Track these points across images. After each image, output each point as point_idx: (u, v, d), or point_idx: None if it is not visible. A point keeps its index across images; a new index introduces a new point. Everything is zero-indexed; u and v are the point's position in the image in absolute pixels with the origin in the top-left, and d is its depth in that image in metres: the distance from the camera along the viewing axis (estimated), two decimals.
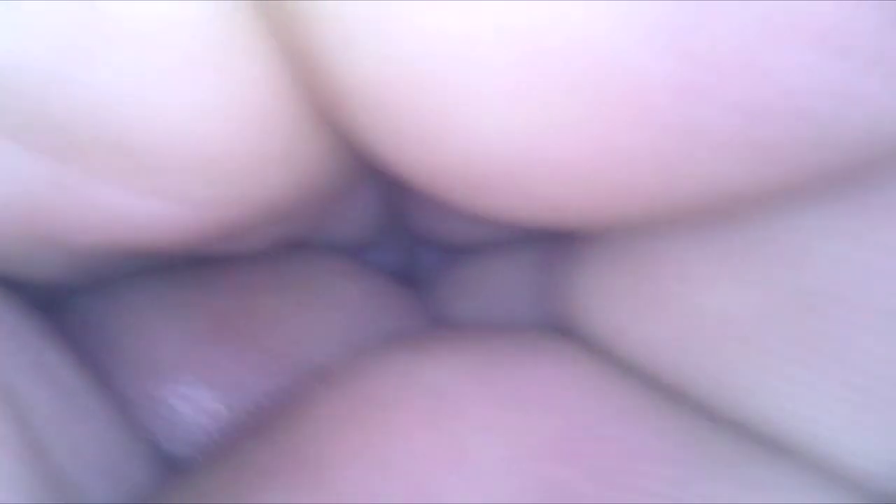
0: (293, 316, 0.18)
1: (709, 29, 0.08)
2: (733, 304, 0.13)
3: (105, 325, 0.17)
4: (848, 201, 0.11)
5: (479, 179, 0.11)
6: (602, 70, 0.08)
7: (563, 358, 0.14)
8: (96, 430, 0.15)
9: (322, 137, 0.12)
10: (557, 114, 0.09)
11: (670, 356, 0.14)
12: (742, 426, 0.13)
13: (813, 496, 0.12)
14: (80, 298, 0.17)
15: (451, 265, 0.21)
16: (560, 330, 0.16)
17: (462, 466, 0.12)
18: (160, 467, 0.16)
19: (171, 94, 0.10)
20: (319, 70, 0.10)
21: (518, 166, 0.10)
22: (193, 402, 0.17)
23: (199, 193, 0.12)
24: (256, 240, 0.17)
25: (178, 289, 0.18)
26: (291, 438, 0.14)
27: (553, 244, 0.18)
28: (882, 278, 0.11)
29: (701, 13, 0.08)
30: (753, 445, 0.13)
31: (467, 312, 0.20)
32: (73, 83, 0.10)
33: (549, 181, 0.10)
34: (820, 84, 0.08)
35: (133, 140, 0.10)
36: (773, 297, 0.13)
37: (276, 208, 0.14)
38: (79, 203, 0.12)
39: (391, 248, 0.23)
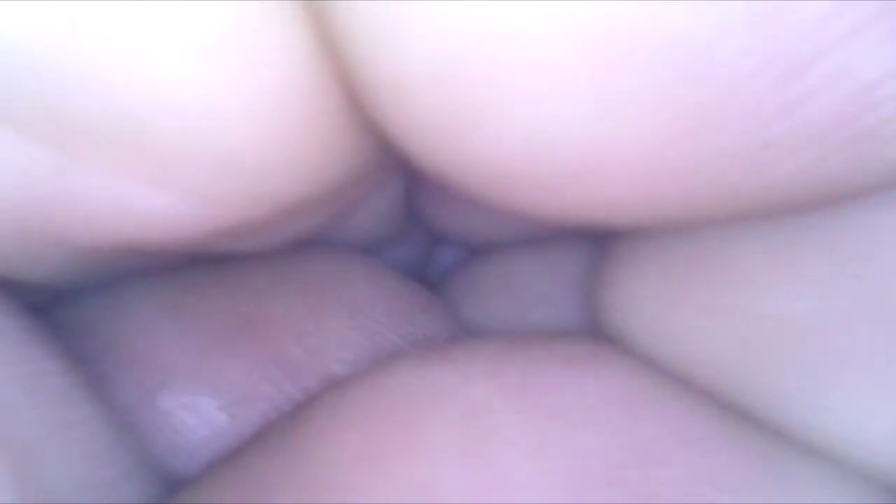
0: (308, 321, 0.17)
1: None
2: (797, 311, 0.12)
3: (107, 329, 0.16)
4: None
5: (526, 177, 0.10)
6: (698, 71, 0.08)
7: (608, 369, 0.13)
8: (91, 445, 0.14)
9: (349, 129, 0.12)
10: (642, 113, 0.09)
11: (727, 366, 0.12)
12: (803, 441, 0.12)
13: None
14: (81, 300, 0.16)
15: (472, 264, 0.20)
16: (600, 336, 0.15)
17: (501, 498, 0.11)
18: (161, 483, 0.15)
19: (190, 79, 0.09)
20: (356, 59, 0.09)
21: (581, 164, 0.09)
22: (199, 414, 0.16)
23: (214, 187, 0.11)
24: (271, 237, 0.16)
25: (186, 290, 0.16)
26: (303, 459, 0.13)
27: (590, 243, 0.17)
28: None
29: None
30: (822, 465, 0.12)
31: (491, 314, 0.19)
32: (82, 67, 0.09)
33: (614, 179, 0.10)
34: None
35: (144, 127, 0.10)
36: (838, 302, 0.12)
37: (295, 204, 0.13)
38: (82, 195, 0.11)
39: (409, 245, 0.22)
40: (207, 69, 0.09)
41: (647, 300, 0.14)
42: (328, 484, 0.12)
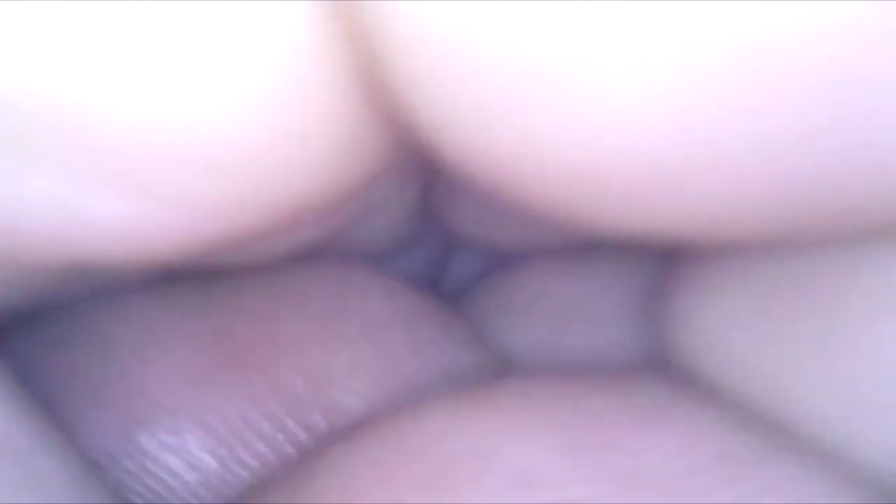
0: (313, 344, 0.14)
1: None
2: None
3: (75, 358, 0.13)
4: None
5: (572, 180, 0.09)
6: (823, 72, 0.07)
7: (698, 424, 0.10)
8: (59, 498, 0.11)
9: (365, 123, 0.10)
10: (743, 117, 0.08)
11: (844, 420, 0.10)
12: None
13: None
14: (45, 326, 0.14)
15: (497, 277, 0.18)
16: (660, 369, 0.13)
17: None
18: None
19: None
20: (387, 45, 0.08)
21: (644, 172, 0.08)
22: (186, 456, 0.13)
23: (200, 192, 0.09)
24: (269, 249, 0.13)
25: (169, 310, 0.14)
26: None
27: (644, 259, 0.14)
28: None
29: None
30: None
31: (520, 335, 0.17)
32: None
33: (693, 184, 0.08)
34: None
35: (110, 126, 0.08)
36: None
37: (298, 211, 0.11)
38: (38, 203, 0.09)
39: (420, 254, 0.20)
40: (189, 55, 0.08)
41: (737, 338, 0.12)
42: None
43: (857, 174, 0.08)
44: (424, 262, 0.20)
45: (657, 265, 0.15)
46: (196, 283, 0.15)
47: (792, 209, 0.09)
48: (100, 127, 0.08)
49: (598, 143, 0.08)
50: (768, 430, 0.11)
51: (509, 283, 0.18)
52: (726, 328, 0.12)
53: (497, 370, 0.15)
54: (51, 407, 0.12)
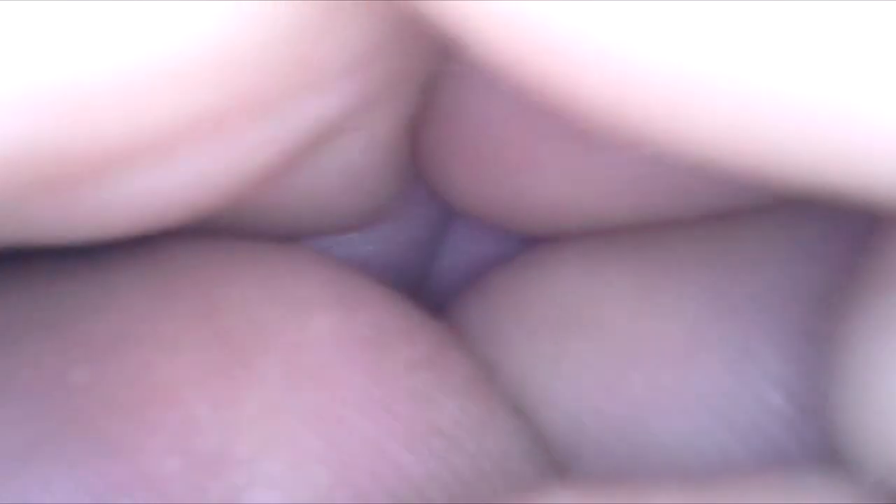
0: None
1: None
2: None
3: None
4: None
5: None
6: None
7: None
8: None
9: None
10: None
11: None
12: None
13: None
14: None
15: (515, 265, 0.13)
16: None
17: None
18: None
19: None
20: None
21: None
22: None
23: None
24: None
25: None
26: None
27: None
28: None
29: None
30: None
31: (546, 360, 0.11)
32: None
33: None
34: None
35: None
36: None
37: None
38: None
39: (404, 227, 0.15)
40: None
41: None
42: None
43: None
44: (408, 246, 0.15)
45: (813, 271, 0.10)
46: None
47: None
48: None
49: None
50: None
51: (527, 277, 0.13)
52: None
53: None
54: None
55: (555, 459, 0.11)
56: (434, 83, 0.10)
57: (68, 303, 0.10)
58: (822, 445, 0.10)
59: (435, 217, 0.15)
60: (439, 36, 0.08)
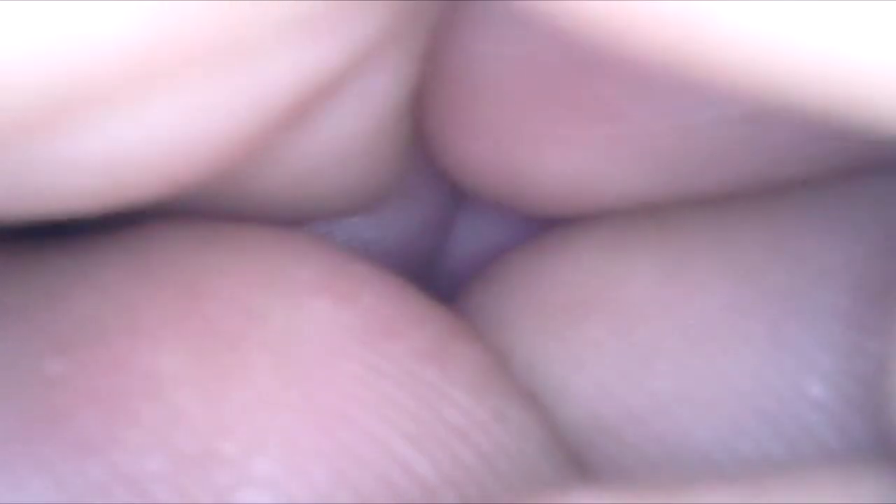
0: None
1: None
2: None
3: None
4: None
5: None
6: None
7: None
8: None
9: None
10: None
11: None
12: None
13: None
14: None
15: (531, 250, 0.12)
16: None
17: None
18: None
19: None
20: None
21: None
22: None
23: None
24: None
25: None
26: None
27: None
28: None
29: None
30: None
31: (572, 358, 0.11)
32: None
33: None
34: None
35: None
36: None
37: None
38: None
39: (405, 212, 0.14)
40: None
41: None
42: None
43: None
44: (414, 230, 0.14)
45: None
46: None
47: None
48: None
49: None
50: None
51: (538, 263, 0.12)
52: None
53: None
54: None
55: (573, 456, 0.10)
56: (441, 43, 0.10)
57: (43, 289, 0.09)
58: (867, 439, 0.09)
59: (443, 200, 0.14)
60: None
